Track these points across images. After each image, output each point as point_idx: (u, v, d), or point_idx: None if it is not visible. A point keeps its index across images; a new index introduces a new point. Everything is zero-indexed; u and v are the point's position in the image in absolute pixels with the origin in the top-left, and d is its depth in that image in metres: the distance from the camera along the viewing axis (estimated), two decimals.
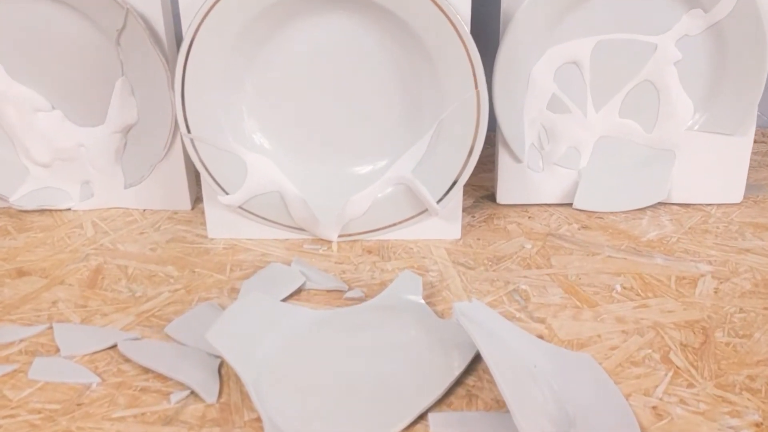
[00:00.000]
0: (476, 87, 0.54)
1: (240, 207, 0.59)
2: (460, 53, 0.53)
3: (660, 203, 0.66)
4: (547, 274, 0.56)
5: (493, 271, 0.56)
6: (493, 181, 0.68)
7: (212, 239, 0.61)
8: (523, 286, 0.54)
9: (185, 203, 0.66)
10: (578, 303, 0.52)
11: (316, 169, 0.60)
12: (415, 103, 0.57)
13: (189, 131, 0.56)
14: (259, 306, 0.47)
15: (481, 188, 0.72)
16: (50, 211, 0.67)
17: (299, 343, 0.46)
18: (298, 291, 0.53)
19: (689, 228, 0.64)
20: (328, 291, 0.53)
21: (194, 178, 0.67)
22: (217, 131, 0.56)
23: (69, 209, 0.67)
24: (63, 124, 0.64)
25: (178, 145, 0.63)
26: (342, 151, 0.59)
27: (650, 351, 0.46)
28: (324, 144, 0.59)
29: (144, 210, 0.67)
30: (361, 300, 0.52)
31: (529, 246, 0.60)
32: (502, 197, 0.67)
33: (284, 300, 0.52)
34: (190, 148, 0.56)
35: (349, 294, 0.52)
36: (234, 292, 0.53)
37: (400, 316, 0.48)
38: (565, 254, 0.59)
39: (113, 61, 0.61)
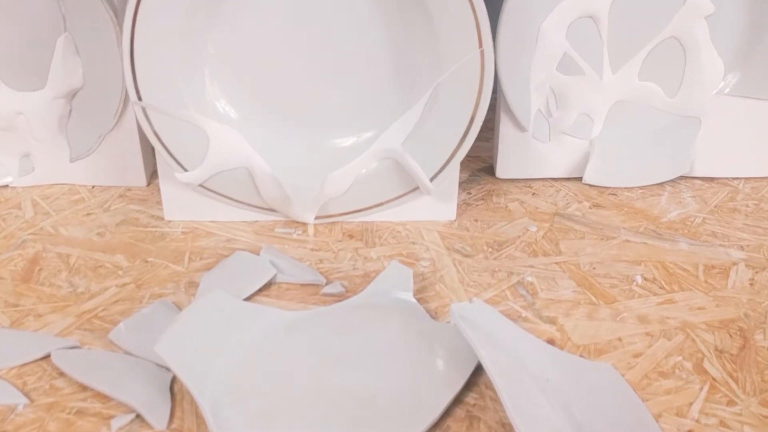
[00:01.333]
0: (480, 45, 0.47)
1: (201, 185, 0.52)
2: (463, 5, 0.46)
3: (681, 177, 0.61)
4: (556, 263, 0.50)
5: (494, 259, 0.51)
6: (492, 151, 0.62)
7: (169, 222, 0.55)
8: (529, 278, 0.48)
9: (140, 179, 0.60)
10: (593, 298, 0.46)
11: (290, 142, 0.53)
12: (407, 64, 0.51)
13: (140, 98, 0.49)
14: (219, 308, 0.41)
15: (477, 159, 0.66)
16: None
17: (267, 353, 0.40)
18: (268, 285, 0.48)
19: (715, 206, 0.58)
20: (303, 285, 0.48)
21: (150, 149, 0.61)
22: (173, 97, 0.50)
23: (6, 186, 0.60)
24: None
25: (130, 113, 0.57)
26: (320, 120, 0.53)
27: (680, 358, 0.41)
28: (299, 112, 0.53)
29: (93, 187, 0.60)
30: (341, 296, 0.46)
31: (534, 228, 0.55)
32: (502, 170, 0.61)
33: (251, 297, 0.46)
34: (141, 117, 0.50)
35: (328, 289, 0.47)
36: (192, 286, 0.47)
37: (388, 318, 0.43)
38: (575, 238, 0.53)
39: (54, 15, 0.54)
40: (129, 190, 0.60)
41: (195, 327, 0.39)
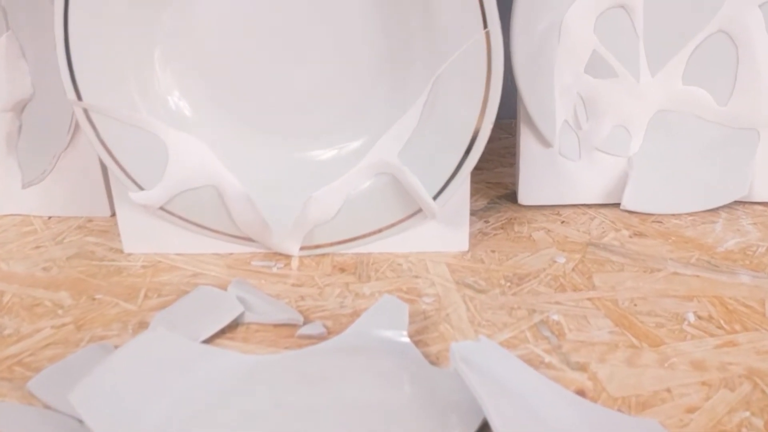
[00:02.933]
0: (485, 26, 0.40)
1: (162, 208, 0.46)
2: None
3: (738, 202, 0.54)
4: (589, 299, 0.43)
5: (513, 294, 0.43)
6: (514, 175, 0.55)
7: (129, 255, 0.49)
8: (555, 317, 0.41)
9: (102, 207, 0.54)
10: (635, 340, 0.39)
11: (264, 152, 0.47)
12: (400, 54, 0.45)
13: (79, 97, 0.43)
14: (159, 350, 0.34)
15: (498, 186, 0.59)
16: None
17: (215, 407, 0.33)
18: (234, 326, 0.41)
19: None
20: (276, 326, 0.41)
21: None
22: (122, 97, 0.43)
23: None
24: None
25: None
26: (299, 126, 0.47)
27: (748, 414, 0.33)
28: (273, 114, 0.47)
29: (49, 218, 0.54)
30: (321, 338, 0.39)
31: (562, 260, 0.47)
32: (525, 195, 0.54)
33: (211, 339, 0.39)
34: (84, 123, 0.44)
35: (305, 330, 0.40)
36: (143, 327, 0.41)
37: (375, 363, 0.36)
38: (612, 271, 0.46)
39: None
40: (90, 220, 0.55)
41: (124, 373, 0.32)
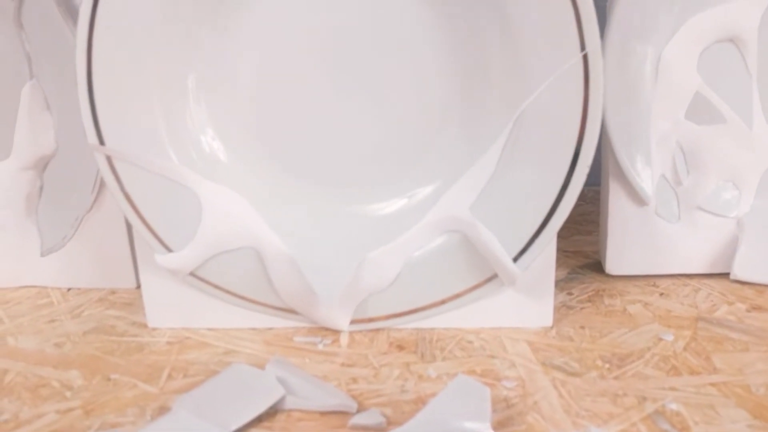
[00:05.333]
0: (582, 48, 0.34)
1: (192, 274, 0.40)
2: None
3: None
4: (712, 384, 0.35)
5: (615, 378, 0.36)
6: (598, 242, 0.48)
7: (154, 330, 0.42)
8: (673, 405, 0.33)
9: (127, 278, 0.48)
10: None
11: (311, 206, 0.40)
12: (475, 88, 0.38)
13: (102, 141, 0.37)
14: None
15: (578, 254, 0.52)
16: None
17: None
18: (273, 413, 0.34)
19: None
20: (324, 413, 0.34)
21: None
22: (148, 137, 0.38)
23: None
24: None
25: None
26: (357, 174, 0.41)
27: None
28: (325, 160, 0.41)
29: (68, 289, 0.48)
30: (379, 429, 0.32)
31: (670, 338, 0.40)
32: (614, 264, 0.47)
33: (244, 429, 0.32)
34: (106, 172, 0.38)
35: (359, 419, 0.33)
36: (165, 412, 0.34)
37: None
38: (734, 350, 0.38)
39: (17, 57, 0.44)
40: (113, 292, 0.49)
41: None
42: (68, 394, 0.37)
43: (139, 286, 0.49)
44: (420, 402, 0.35)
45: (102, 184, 0.46)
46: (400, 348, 0.41)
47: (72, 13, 0.43)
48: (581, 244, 0.54)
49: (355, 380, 0.37)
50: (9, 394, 0.37)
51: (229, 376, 0.37)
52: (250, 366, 0.37)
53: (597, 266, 0.51)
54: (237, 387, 0.36)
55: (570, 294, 0.47)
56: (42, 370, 0.40)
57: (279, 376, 0.36)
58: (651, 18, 0.42)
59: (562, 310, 0.45)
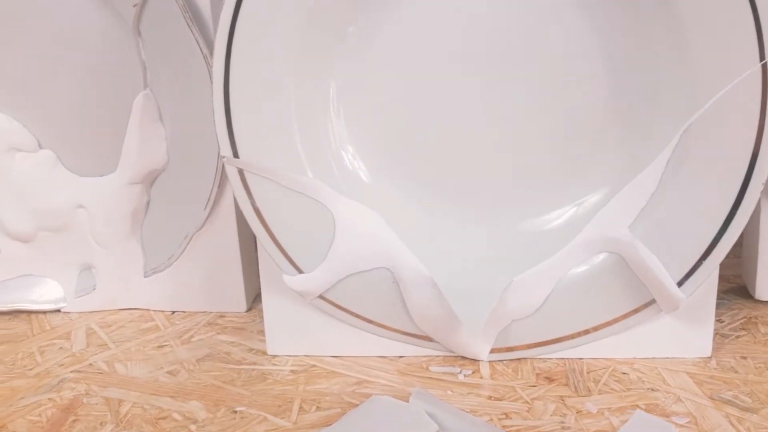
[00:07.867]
0: (762, 57, 0.31)
1: (322, 297, 0.37)
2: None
3: None
4: None
5: None
6: (740, 265, 0.45)
7: (274, 358, 0.40)
8: None
9: (237, 301, 0.45)
10: None
11: (454, 227, 0.38)
12: (637, 98, 0.35)
13: (236, 155, 0.35)
14: None
15: (719, 279, 0.48)
16: (27, 313, 0.47)
17: None
18: None
19: None
20: None
21: (254, 260, 0.45)
22: (284, 154, 0.36)
23: (58, 310, 0.47)
24: (54, 172, 0.46)
25: (228, 203, 0.43)
26: (505, 193, 0.37)
27: None
28: (474, 179, 0.39)
29: (173, 312, 0.46)
30: None
31: None
32: (765, 290, 0.42)
33: None
34: (237, 187, 0.36)
35: None
36: None
37: None
38: None
39: (130, 66, 0.43)
40: (222, 316, 0.46)
41: None
42: (193, 427, 0.35)
43: (249, 310, 0.47)
44: None
45: (216, 201, 0.43)
46: (549, 380, 0.38)
47: (197, 20, 0.41)
48: (720, 267, 0.51)
49: (507, 415, 0.35)
50: (129, 427, 0.35)
51: (371, 409, 0.34)
52: (393, 398, 0.35)
53: (742, 291, 0.48)
54: (383, 422, 0.33)
55: (721, 321, 0.44)
56: (159, 400, 0.37)
57: (427, 410, 0.33)
58: None
59: (716, 339, 0.41)
